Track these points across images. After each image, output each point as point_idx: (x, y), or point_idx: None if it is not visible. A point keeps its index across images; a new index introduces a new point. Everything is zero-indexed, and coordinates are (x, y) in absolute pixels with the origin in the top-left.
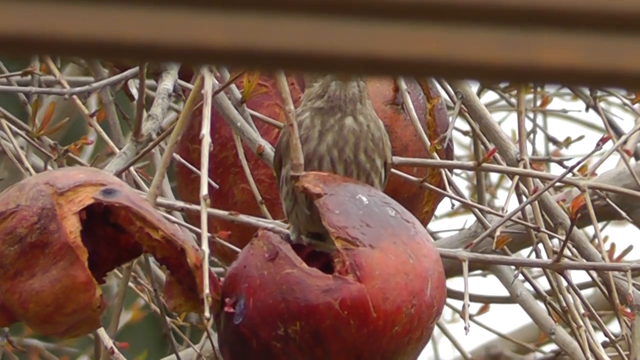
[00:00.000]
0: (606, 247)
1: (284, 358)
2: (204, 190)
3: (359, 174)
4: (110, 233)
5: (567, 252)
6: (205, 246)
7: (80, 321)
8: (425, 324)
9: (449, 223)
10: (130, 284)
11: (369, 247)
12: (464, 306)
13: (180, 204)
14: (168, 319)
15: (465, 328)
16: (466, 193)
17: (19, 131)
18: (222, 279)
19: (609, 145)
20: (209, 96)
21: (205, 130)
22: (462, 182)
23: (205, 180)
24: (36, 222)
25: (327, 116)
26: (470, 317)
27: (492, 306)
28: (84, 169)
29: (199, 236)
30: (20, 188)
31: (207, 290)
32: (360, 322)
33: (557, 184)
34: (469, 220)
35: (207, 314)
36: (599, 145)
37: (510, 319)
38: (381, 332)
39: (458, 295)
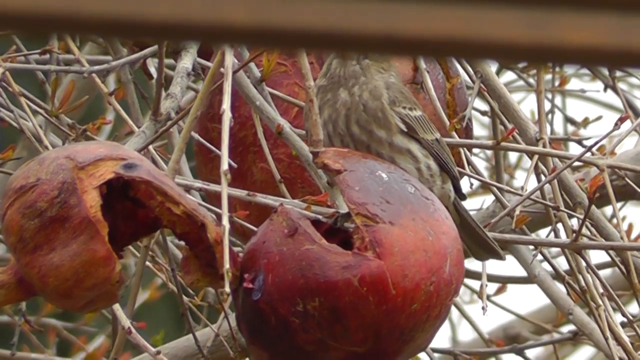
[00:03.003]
0: (624, 226)
1: (302, 334)
2: (225, 166)
3: (356, 146)
4: (129, 207)
5: (586, 231)
6: (225, 221)
7: (99, 296)
8: (443, 301)
9: (467, 203)
10: (147, 263)
11: (388, 224)
12: (481, 286)
13: (199, 184)
14: (185, 298)
15: (483, 308)
16: (485, 173)
17: (38, 109)
18: (241, 254)
19: (627, 125)
20: (230, 72)
21: (226, 105)
22: (480, 163)
23: (225, 155)
24: (56, 196)
25: (325, 92)
26: (488, 297)
27: (510, 286)
28: (104, 143)
29: (217, 215)
30: (40, 162)
31: (227, 266)
32: (379, 298)
33: (576, 163)
34: (487, 200)
35: (227, 289)
36: (617, 125)
37: (527, 300)
38: (400, 309)
39: (476, 276)
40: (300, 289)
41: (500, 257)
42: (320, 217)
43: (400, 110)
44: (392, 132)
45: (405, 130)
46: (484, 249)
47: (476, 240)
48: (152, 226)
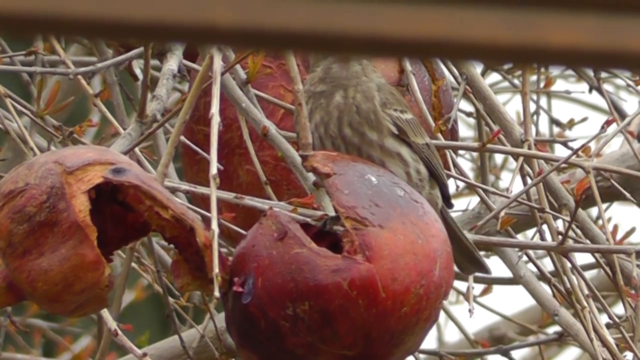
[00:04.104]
0: (609, 228)
1: (292, 338)
2: (214, 170)
3: (347, 148)
4: (118, 211)
5: (571, 233)
6: (214, 225)
7: (88, 300)
8: (433, 304)
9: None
10: (133, 264)
11: (378, 227)
12: (468, 288)
13: (186, 186)
14: (171, 299)
15: (470, 310)
16: (470, 174)
17: (24, 110)
18: (230, 258)
19: (612, 127)
20: (219, 75)
21: (215, 109)
22: (466, 164)
23: (214, 160)
24: (45, 200)
25: (319, 97)
26: (474, 298)
27: (495, 287)
28: (92, 147)
29: (205, 218)
30: (29, 167)
31: (216, 270)
32: (369, 302)
33: (561, 165)
34: (472, 201)
35: (216, 293)
36: (603, 128)
37: (513, 301)
38: (390, 312)
39: (462, 277)
40: (290, 292)
41: (486, 271)
42: (309, 220)
43: (392, 112)
44: (383, 134)
45: (397, 133)
46: (470, 262)
47: (462, 251)
48: (141, 230)
